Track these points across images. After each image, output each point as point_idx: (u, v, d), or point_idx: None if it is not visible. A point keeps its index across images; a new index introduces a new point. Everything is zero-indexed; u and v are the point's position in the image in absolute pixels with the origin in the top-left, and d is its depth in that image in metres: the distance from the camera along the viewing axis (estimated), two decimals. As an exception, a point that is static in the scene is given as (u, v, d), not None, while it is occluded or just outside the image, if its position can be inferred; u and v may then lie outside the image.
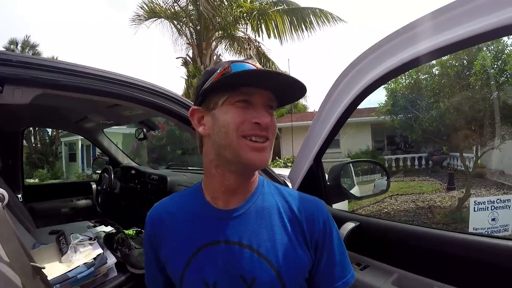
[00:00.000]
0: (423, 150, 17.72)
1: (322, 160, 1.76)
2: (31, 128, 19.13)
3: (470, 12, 1.08)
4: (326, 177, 1.81)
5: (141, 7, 12.21)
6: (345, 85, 1.56)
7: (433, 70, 11.29)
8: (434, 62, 10.60)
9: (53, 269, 1.71)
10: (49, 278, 1.30)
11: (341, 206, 2.51)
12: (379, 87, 1.49)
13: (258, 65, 0.93)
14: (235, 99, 0.87)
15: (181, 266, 0.93)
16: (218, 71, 0.91)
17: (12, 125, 3.28)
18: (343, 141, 17.99)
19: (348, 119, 1.61)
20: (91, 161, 21.32)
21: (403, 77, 12.06)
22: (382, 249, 1.44)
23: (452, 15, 1.13)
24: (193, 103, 1.00)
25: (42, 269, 1.24)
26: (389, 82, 12.07)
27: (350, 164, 1.87)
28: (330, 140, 1.65)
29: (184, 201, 1.04)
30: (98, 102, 2.14)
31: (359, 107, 1.63)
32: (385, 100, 13.50)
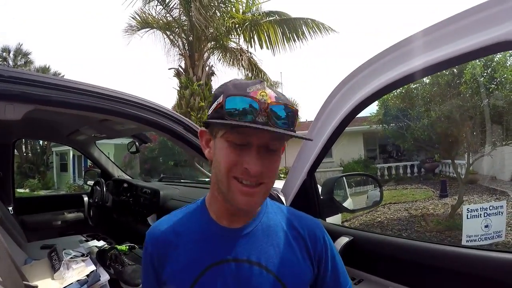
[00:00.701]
0: (415, 158, 17.78)
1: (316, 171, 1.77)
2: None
3: (460, 31, 1.10)
4: (320, 191, 1.82)
5: (133, 18, 12.21)
6: (339, 101, 1.58)
7: (424, 79, 11.39)
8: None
9: (46, 287, 1.68)
10: (41, 296, 1.28)
11: (334, 216, 2.52)
12: (372, 102, 1.51)
13: (267, 91, 0.84)
14: (230, 138, 0.84)
15: (187, 286, 0.91)
16: (216, 102, 0.87)
17: (3, 137, 3.26)
18: (335, 151, 18.02)
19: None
20: (83, 172, 21.16)
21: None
22: (376, 263, 1.44)
23: (442, 33, 1.15)
24: (185, 118, 0.99)
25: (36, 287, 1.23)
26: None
27: (343, 177, 1.88)
28: (324, 155, 1.66)
29: (190, 219, 1.01)
30: (90, 116, 2.13)
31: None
32: (377, 110, 13.61)
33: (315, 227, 1.03)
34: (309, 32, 11.98)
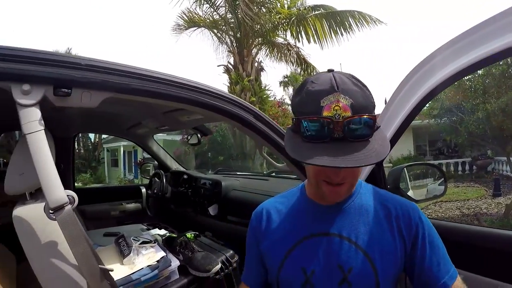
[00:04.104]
0: (466, 154, 17.08)
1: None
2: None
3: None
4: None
5: (180, 17, 12.50)
6: (411, 87, 1.54)
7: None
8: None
9: (116, 271, 1.71)
10: (111, 280, 1.31)
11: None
12: (445, 88, 1.46)
13: (341, 104, 0.85)
14: None
15: (281, 256, 1.04)
16: (295, 118, 0.94)
17: (65, 130, 3.37)
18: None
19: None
20: (133, 166, 21.82)
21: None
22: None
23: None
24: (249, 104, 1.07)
25: (110, 272, 1.26)
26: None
27: (405, 168, 1.87)
28: (393, 144, 1.62)
29: (290, 199, 1.14)
30: (155, 108, 2.18)
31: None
32: (429, 103, 13.15)
33: (409, 209, 1.04)
34: (356, 25, 11.80)
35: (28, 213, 1.31)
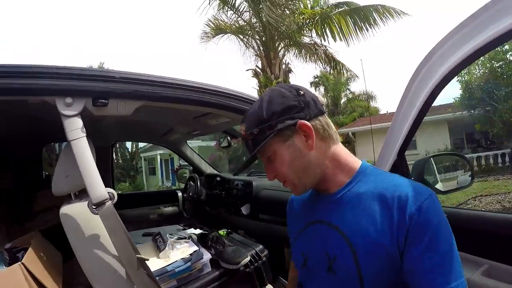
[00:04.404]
0: (505, 145, 16.41)
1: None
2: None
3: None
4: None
5: (207, 25, 12.86)
6: (428, 70, 1.44)
7: (508, 56, 10.50)
8: (507, 47, 9.83)
9: (152, 263, 1.84)
10: (148, 271, 1.46)
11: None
12: (456, 75, 1.42)
13: (243, 127, 1.10)
14: None
15: (293, 240, 1.22)
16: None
17: (103, 139, 3.56)
18: (420, 142, 17.08)
19: (424, 118, 1.56)
20: (170, 174, 22.28)
21: (477, 68, 11.40)
22: (469, 240, 1.34)
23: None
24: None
25: (146, 261, 1.41)
26: (463, 74, 11.50)
27: (431, 159, 1.86)
28: (413, 133, 1.59)
29: None
30: (185, 114, 2.31)
31: (434, 104, 1.59)
32: (460, 94, 12.85)
33: (409, 197, 0.91)
34: (381, 19, 11.76)
35: (74, 210, 1.51)
